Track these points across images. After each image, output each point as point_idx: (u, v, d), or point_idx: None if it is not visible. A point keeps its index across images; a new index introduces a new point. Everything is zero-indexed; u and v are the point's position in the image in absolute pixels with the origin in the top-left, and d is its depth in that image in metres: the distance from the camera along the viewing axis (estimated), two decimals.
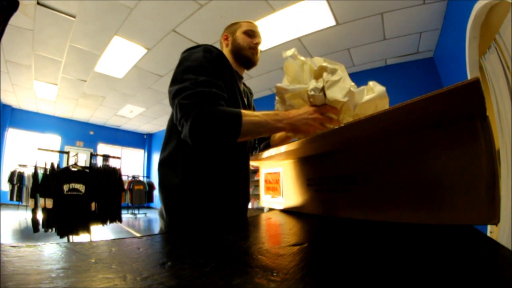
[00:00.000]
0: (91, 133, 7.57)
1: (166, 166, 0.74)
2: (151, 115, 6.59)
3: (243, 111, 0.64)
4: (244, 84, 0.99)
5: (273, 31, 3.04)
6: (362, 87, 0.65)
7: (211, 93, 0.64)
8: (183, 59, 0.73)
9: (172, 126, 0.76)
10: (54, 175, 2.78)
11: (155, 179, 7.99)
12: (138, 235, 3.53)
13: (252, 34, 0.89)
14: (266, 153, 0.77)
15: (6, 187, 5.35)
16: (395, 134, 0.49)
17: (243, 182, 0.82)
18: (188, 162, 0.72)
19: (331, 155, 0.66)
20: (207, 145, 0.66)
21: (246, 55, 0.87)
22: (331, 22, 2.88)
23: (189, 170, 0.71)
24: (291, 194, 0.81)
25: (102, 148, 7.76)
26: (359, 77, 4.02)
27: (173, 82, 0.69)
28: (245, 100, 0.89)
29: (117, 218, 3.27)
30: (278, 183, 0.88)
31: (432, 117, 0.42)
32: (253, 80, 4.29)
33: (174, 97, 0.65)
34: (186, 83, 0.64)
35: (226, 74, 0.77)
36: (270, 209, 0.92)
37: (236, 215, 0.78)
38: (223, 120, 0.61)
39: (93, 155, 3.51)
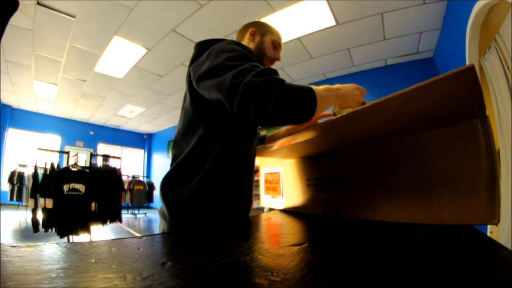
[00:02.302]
0: (91, 133, 7.56)
1: (182, 169, 0.69)
2: (151, 115, 6.58)
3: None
4: None
5: None
6: None
7: (276, 71, 0.57)
8: (215, 51, 0.65)
9: (188, 128, 0.71)
10: (54, 175, 2.78)
11: (155, 179, 7.99)
12: (138, 235, 3.53)
13: (277, 47, 0.87)
14: (277, 144, 0.73)
15: (6, 187, 5.35)
16: (395, 134, 0.49)
17: (246, 187, 0.80)
18: (206, 166, 0.68)
19: (331, 155, 0.66)
20: (281, 125, 0.59)
21: (264, 65, 0.83)
22: (331, 22, 2.88)
23: (205, 174, 0.67)
24: (291, 194, 0.81)
25: (102, 148, 7.76)
26: (359, 77, 4.03)
27: (218, 72, 0.59)
28: None
29: (117, 218, 3.26)
30: (278, 183, 0.89)
31: (433, 110, 0.41)
32: None
33: (236, 78, 0.55)
34: (245, 65, 0.57)
35: None
36: (270, 209, 0.92)
37: (238, 218, 0.77)
38: (303, 97, 0.54)
39: (93, 155, 3.51)
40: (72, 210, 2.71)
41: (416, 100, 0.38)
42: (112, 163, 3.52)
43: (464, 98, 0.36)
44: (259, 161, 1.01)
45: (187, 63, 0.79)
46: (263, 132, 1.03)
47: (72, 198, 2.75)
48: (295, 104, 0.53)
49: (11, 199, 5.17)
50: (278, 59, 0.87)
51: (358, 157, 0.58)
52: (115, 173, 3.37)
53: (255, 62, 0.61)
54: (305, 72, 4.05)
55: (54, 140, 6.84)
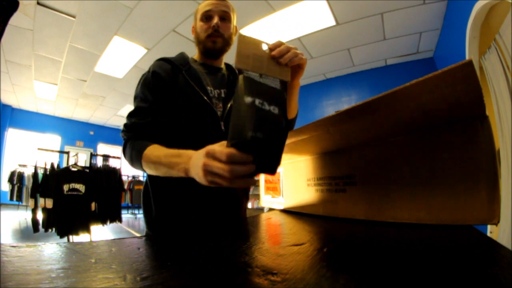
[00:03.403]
0: (91, 133, 7.56)
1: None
2: None
3: (148, 150, 0.64)
4: (228, 67, 0.89)
5: (273, 31, 3.04)
6: None
7: (134, 125, 0.72)
8: (141, 78, 0.79)
9: None
10: (54, 175, 2.78)
11: None
12: (138, 235, 3.53)
13: (208, 17, 0.76)
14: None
15: (6, 187, 5.35)
16: (395, 134, 0.49)
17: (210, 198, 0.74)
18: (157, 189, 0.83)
19: (331, 155, 0.66)
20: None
21: (205, 46, 0.78)
22: (331, 22, 2.88)
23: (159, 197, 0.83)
24: (291, 194, 0.81)
25: (102, 148, 7.76)
26: (359, 77, 4.04)
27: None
28: (216, 91, 0.79)
29: (117, 218, 3.27)
30: (278, 183, 0.89)
31: (432, 109, 0.41)
32: None
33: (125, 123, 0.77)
34: (130, 111, 0.75)
35: (178, 77, 0.74)
36: (270, 209, 0.92)
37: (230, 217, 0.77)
38: (131, 158, 0.71)
39: (93, 155, 3.51)
40: (72, 210, 2.71)
41: (415, 95, 0.38)
42: (112, 163, 3.52)
43: (464, 96, 0.36)
44: None
45: None
46: None
47: (72, 198, 2.75)
48: (129, 162, 0.73)
49: (11, 199, 5.17)
50: (214, 26, 0.75)
51: (358, 157, 0.58)
52: (115, 173, 3.37)
53: (143, 100, 0.74)
54: (305, 72, 3.98)
55: (54, 140, 6.84)
